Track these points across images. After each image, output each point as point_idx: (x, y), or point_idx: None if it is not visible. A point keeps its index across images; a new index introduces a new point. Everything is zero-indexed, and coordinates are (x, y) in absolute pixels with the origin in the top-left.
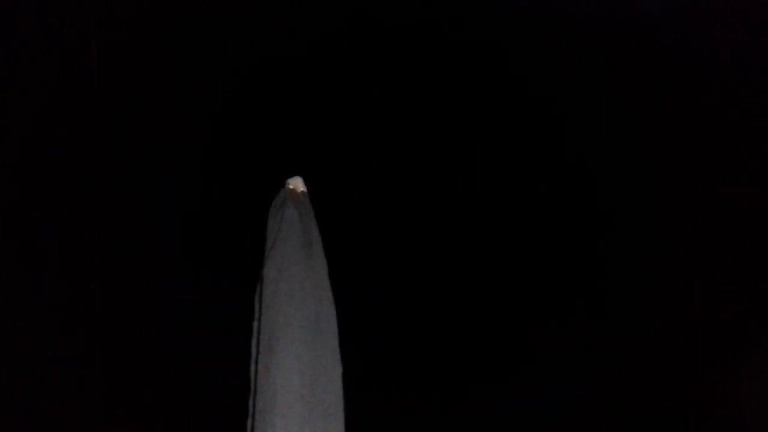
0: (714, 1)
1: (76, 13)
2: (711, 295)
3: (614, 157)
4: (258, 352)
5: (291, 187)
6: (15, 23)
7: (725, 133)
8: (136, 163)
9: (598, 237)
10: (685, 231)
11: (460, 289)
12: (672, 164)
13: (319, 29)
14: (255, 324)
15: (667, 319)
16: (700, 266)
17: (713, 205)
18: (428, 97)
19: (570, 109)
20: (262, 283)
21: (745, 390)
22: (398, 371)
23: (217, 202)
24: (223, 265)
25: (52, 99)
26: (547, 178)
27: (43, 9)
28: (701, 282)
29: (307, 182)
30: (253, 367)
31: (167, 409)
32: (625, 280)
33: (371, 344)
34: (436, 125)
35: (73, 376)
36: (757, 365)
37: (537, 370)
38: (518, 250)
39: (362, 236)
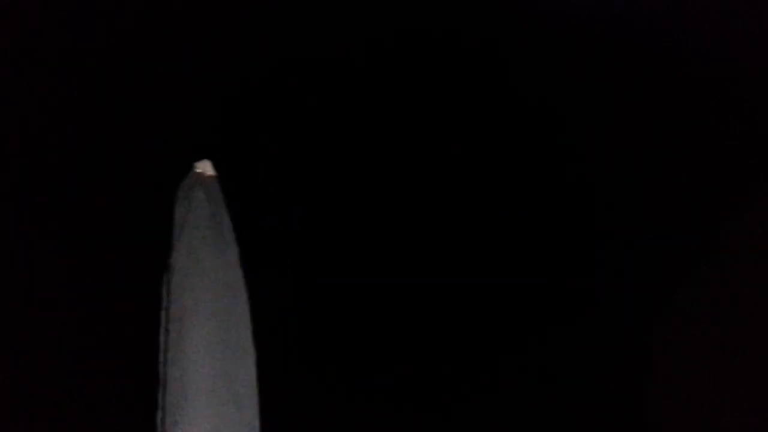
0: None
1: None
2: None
3: (612, 158)
4: (166, 342)
5: (199, 170)
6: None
7: (725, 134)
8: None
9: (593, 238)
10: (684, 231)
11: (378, 276)
12: (671, 165)
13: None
14: (162, 313)
15: (665, 320)
16: (699, 266)
17: (712, 205)
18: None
19: (567, 111)
20: (170, 271)
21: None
22: (313, 359)
23: (120, 187)
24: (127, 254)
25: None
26: (535, 178)
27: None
28: (701, 282)
29: (216, 166)
30: (161, 358)
31: (73, 405)
32: (618, 279)
33: (285, 331)
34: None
35: None
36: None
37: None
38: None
39: (274, 221)
